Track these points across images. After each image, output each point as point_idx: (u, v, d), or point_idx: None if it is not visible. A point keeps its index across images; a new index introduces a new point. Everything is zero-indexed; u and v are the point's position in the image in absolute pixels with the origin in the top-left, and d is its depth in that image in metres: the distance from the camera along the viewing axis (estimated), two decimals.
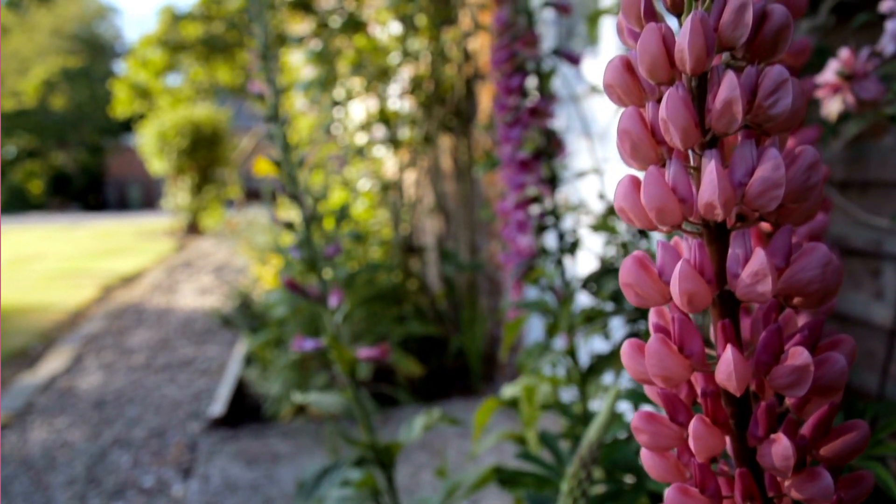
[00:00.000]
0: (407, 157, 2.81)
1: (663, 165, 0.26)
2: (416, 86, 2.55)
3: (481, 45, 2.42)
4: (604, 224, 0.87)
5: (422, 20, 2.38)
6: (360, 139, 2.72)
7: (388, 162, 3.12)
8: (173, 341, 3.62)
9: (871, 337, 0.92)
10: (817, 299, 0.26)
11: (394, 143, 2.64)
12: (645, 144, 0.26)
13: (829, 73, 0.55)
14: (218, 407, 2.36)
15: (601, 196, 0.96)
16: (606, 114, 1.57)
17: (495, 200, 2.33)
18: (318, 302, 0.83)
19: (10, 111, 16.93)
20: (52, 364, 3.26)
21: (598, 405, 1.25)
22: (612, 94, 0.27)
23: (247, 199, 8.37)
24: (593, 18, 0.67)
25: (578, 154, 1.43)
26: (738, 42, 0.25)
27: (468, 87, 2.52)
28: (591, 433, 0.56)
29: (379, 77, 2.58)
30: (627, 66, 0.27)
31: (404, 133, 2.65)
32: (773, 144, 0.25)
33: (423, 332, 2.49)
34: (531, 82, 0.99)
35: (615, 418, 0.73)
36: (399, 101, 2.74)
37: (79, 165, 18.08)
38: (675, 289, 0.25)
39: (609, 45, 1.80)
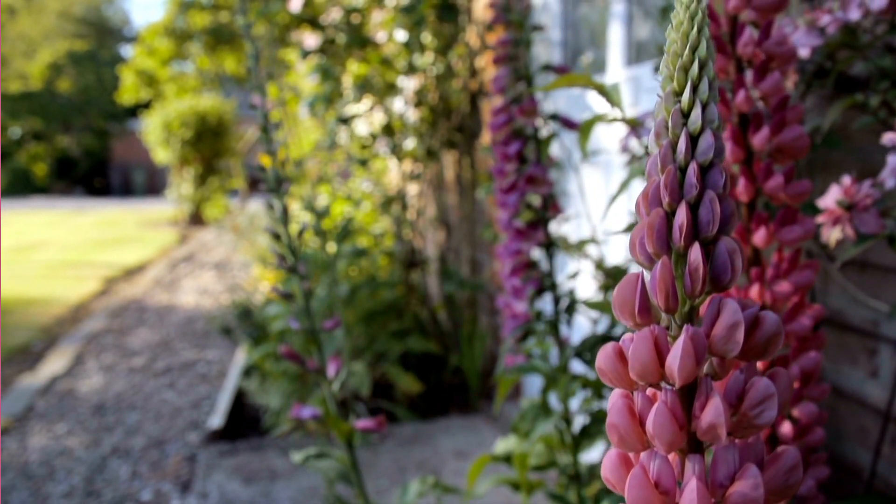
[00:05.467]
0: (411, 168, 2.81)
1: (651, 448, 0.26)
2: (420, 100, 2.54)
3: (487, 63, 2.41)
4: (603, 305, 0.87)
5: (427, 37, 2.38)
6: (365, 151, 2.71)
7: (392, 171, 3.11)
8: (174, 343, 3.64)
9: (864, 414, 0.92)
10: None
11: (397, 153, 2.64)
12: (632, 437, 0.26)
13: (830, 199, 0.55)
14: (217, 419, 2.38)
15: (599, 265, 0.96)
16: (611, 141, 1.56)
17: (497, 220, 2.33)
18: (316, 373, 0.83)
19: (15, 93, 16.91)
20: (53, 365, 3.28)
21: (593, 457, 1.26)
22: (603, 377, 0.28)
23: (251, 188, 8.38)
24: (585, 129, 0.67)
25: (579, 217, 1.43)
26: (729, 355, 0.25)
27: (473, 103, 2.51)
28: None
29: (385, 91, 2.57)
30: (619, 354, 0.27)
31: (409, 144, 2.65)
32: (754, 453, 0.25)
33: (423, 349, 2.50)
34: (529, 146, 0.98)
35: None
36: (404, 110, 2.73)
37: (83, 149, 18.08)
38: None
39: (615, 62, 1.79)
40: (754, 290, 0.50)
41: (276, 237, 0.81)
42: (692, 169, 0.26)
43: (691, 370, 0.25)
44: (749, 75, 0.50)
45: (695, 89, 0.26)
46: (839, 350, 0.95)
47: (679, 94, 0.26)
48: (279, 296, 0.82)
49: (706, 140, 0.26)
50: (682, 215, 0.26)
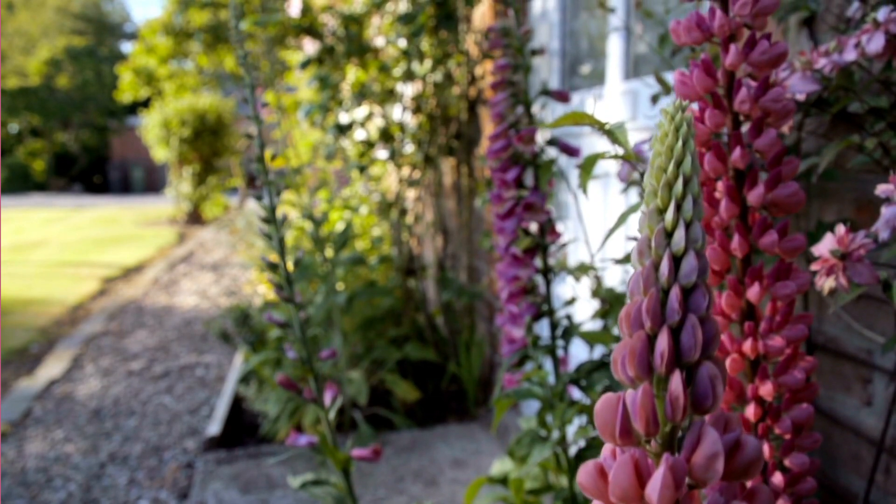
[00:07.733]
0: (409, 173, 2.81)
1: None
2: (418, 106, 2.54)
3: (486, 70, 2.41)
4: (598, 335, 0.87)
5: (425, 45, 2.37)
6: (364, 158, 2.71)
7: (391, 177, 3.11)
8: (172, 346, 3.64)
9: (858, 442, 0.92)
10: None
11: (396, 159, 2.64)
12: None
13: (824, 248, 0.55)
14: (215, 427, 2.38)
15: (595, 292, 0.96)
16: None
17: (494, 245, 2.33)
18: (312, 402, 0.84)
19: (14, 89, 16.87)
20: (51, 368, 3.28)
21: None
22: (585, 491, 0.28)
23: (250, 187, 8.37)
24: (587, 167, 0.67)
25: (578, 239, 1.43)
26: (709, 482, 0.25)
27: (472, 110, 2.51)
28: None
29: (383, 97, 2.57)
30: (601, 472, 0.27)
31: (408, 149, 2.65)
32: None
33: (421, 356, 2.50)
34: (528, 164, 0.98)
35: None
36: (403, 115, 2.73)
37: (82, 146, 18.05)
38: None
39: (613, 75, 1.79)
40: (748, 345, 0.50)
41: (274, 268, 0.82)
42: (674, 294, 0.26)
43: (670, 500, 0.25)
44: (746, 129, 0.50)
45: (679, 207, 0.26)
46: (834, 377, 0.95)
47: (663, 211, 0.26)
48: (276, 325, 0.82)
49: (689, 263, 0.26)
50: (663, 342, 0.25)
